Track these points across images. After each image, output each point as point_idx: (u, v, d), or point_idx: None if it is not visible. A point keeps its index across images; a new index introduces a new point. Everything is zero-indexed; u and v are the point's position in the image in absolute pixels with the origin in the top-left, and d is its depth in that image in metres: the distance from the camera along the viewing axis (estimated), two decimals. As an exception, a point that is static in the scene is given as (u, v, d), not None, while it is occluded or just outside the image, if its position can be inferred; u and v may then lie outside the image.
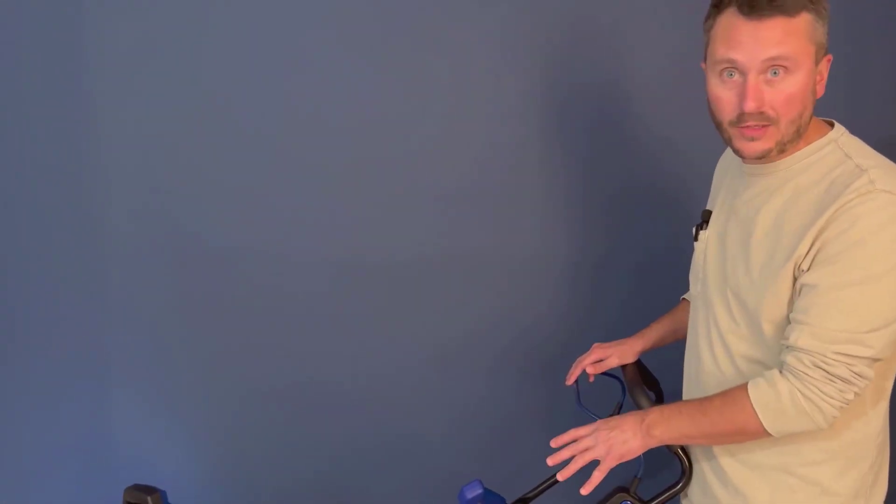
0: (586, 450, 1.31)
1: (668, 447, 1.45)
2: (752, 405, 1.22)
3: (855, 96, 2.18)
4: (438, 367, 2.11)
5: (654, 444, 1.32)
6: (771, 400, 1.21)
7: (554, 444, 1.34)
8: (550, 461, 1.32)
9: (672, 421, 1.30)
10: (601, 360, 1.65)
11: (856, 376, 1.18)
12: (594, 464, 1.32)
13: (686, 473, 1.44)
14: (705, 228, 1.43)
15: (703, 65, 1.30)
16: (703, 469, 1.43)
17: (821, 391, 1.18)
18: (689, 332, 1.48)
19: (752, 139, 1.23)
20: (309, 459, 2.08)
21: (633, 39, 2.07)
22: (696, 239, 1.46)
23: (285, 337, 2.02)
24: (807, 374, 1.18)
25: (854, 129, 1.31)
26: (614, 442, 1.30)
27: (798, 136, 1.24)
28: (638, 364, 1.65)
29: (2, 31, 1.81)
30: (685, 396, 1.49)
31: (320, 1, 1.92)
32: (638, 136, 2.12)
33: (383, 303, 2.05)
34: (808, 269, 1.19)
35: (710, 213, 1.45)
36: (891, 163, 1.24)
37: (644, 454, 1.45)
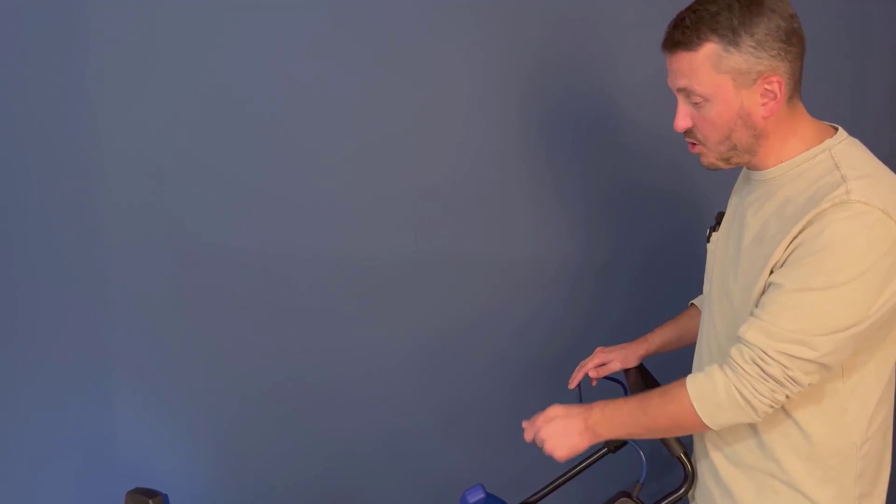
0: (540, 441, 1.36)
1: (672, 452, 1.45)
2: (689, 399, 1.24)
3: (857, 102, 2.18)
4: (441, 369, 2.11)
5: (601, 440, 1.36)
6: (708, 393, 1.23)
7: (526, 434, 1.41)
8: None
9: (614, 420, 1.32)
10: (604, 364, 1.65)
11: (789, 380, 1.18)
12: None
13: (688, 478, 1.45)
14: (717, 230, 1.44)
15: None
16: (700, 467, 1.44)
17: (753, 388, 1.19)
18: (699, 333, 1.48)
19: (696, 153, 1.33)
20: (312, 463, 2.08)
21: (634, 37, 2.06)
22: (707, 240, 1.47)
23: (288, 339, 2.02)
24: (742, 369, 1.20)
25: (856, 135, 1.31)
26: (560, 443, 1.34)
27: (743, 153, 1.28)
28: (640, 368, 1.64)
29: (3, 29, 1.81)
30: None
31: (319, 3, 1.91)
32: (641, 138, 2.11)
33: (385, 304, 2.05)
34: (777, 271, 1.21)
35: (723, 214, 1.45)
36: (885, 173, 1.24)
37: (647, 460, 1.46)
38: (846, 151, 1.25)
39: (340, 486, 2.10)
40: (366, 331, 2.05)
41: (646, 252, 2.16)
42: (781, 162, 1.27)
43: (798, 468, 1.29)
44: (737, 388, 1.20)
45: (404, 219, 2.03)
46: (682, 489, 1.45)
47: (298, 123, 1.95)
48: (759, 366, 1.18)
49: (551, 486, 1.72)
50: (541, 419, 1.36)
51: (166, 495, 1.56)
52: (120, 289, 1.94)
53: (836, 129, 1.30)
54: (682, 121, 1.28)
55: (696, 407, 1.23)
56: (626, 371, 1.64)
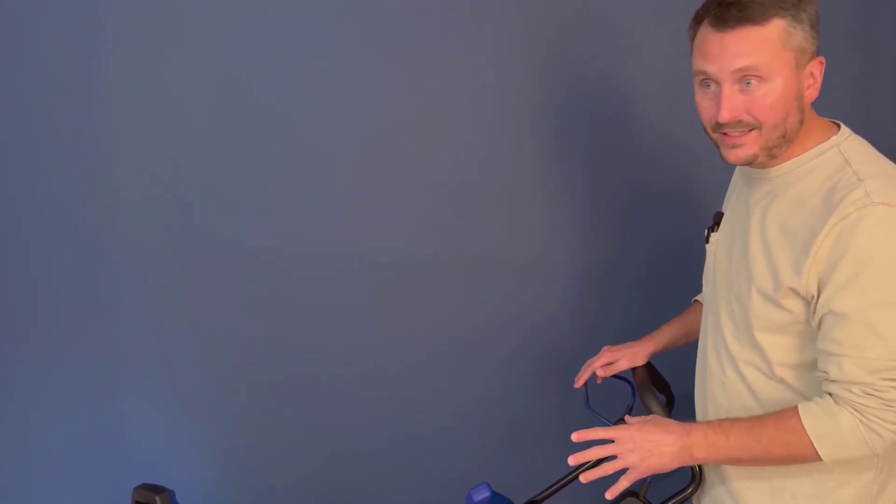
0: (617, 456, 1.25)
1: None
2: (806, 434, 1.19)
3: (862, 100, 2.17)
4: (447, 368, 2.11)
5: (692, 464, 1.29)
6: (829, 430, 1.18)
7: (576, 438, 1.27)
8: (573, 460, 1.26)
9: (718, 447, 1.25)
10: (611, 364, 1.64)
11: None
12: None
13: (696, 478, 1.44)
14: (716, 231, 1.42)
15: None
16: (709, 471, 1.43)
17: (880, 419, 1.16)
18: (700, 335, 1.48)
19: (735, 146, 1.24)
20: (318, 460, 2.08)
21: (640, 33, 2.05)
22: (707, 241, 1.45)
23: (297, 336, 2.02)
24: (863, 404, 1.16)
25: (861, 133, 1.30)
26: (650, 457, 1.25)
27: (786, 142, 1.24)
28: (648, 367, 1.64)
29: (14, 29, 1.82)
30: (697, 399, 1.48)
31: (322, 4, 1.92)
32: (650, 137, 2.11)
33: (391, 303, 2.05)
34: (826, 295, 1.18)
35: (721, 215, 1.44)
36: (893, 169, 1.23)
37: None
38: (854, 148, 1.25)
39: (347, 483, 2.10)
40: (373, 330, 2.05)
41: (653, 251, 2.15)
42: (789, 159, 1.26)
43: (820, 468, 1.27)
44: (862, 423, 1.16)
45: (412, 218, 2.03)
46: (690, 489, 1.44)
47: (309, 121, 1.95)
48: (876, 396, 1.15)
49: (557, 485, 1.72)
50: (635, 427, 1.26)
51: (173, 491, 1.57)
52: (129, 286, 1.95)
53: (839, 126, 1.29)
54: (731, 111, 1.19)
55: (815, 443, 1.19)
56: (634, 370, 1.64)
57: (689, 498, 1.46)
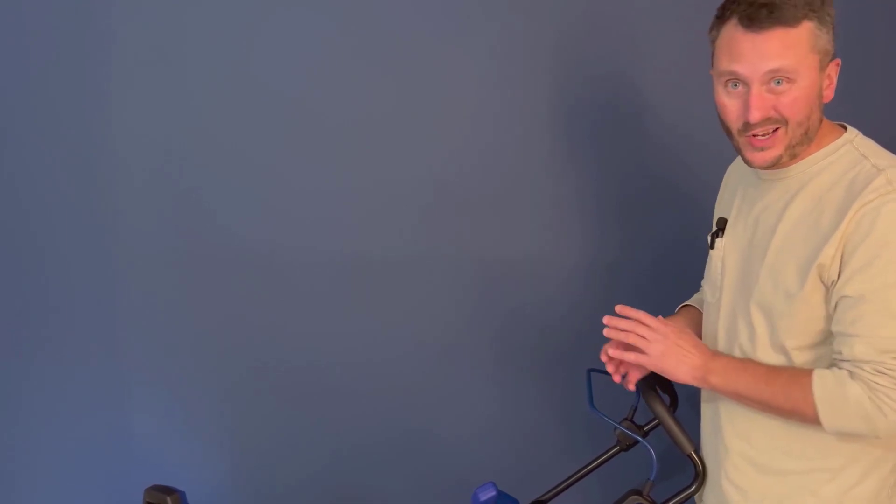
0: (644, 338, 1.31)
1: (682, 450, 1.45)
2: (812, 394, 1.21)
3: (860, 99, 2.17)
4: (453, 368, 2.11)
5: (702, 386, 1.32)
6: (836, 399, 1.20)
7: (620, 310, 1.35)
8: (607, 320, 1.34)
9: (732, 379, 1.29)
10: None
11: None
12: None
13: (699, 477, 1.45)
14: (721, 236, 1.42)
15: (711, 72, 1.30)
16: (716, 472, 1.42)
17: (889, 398, 1.17)
18: (705, 340, 1.45)
19: (762, 149, 1.25)
20: (324, 458, 2.09)
21: (644, 32, 2.05)
22: (711, 247, 1.45)
23: (300, 335, 2.04)
24: (875, 382, 1.17)
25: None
26: (669, 357, 1.31)
27: (807, 139, 1.25)
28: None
29: (17, 30, 1.84)
30: (703, 402, 1.48)
31: (325, 2, 1.93)
32: (654, 135, 2.11)
33: (397, 299, 2.06)
34: (843, 279, 1.19)
35: (724, 220, 1.44)
36: None
37: (657, 458, 1.46)
38: (867, 144, 1.27)
39: (352, 480, 2.11)
40: (378, 327, 2.06)
41: (658, 249, 2.15)
42: (804, 158, 1.28)
43: (841, 465, 1.28)
44: (870, 399, 1.17)
45: (416, 214, 2.03)
46: (693, 487, 1.45)
47: (310, 119, 1.96)
48: (887, 375, 1.16)
49: (563, 485, 1.73)
50: (673, 328, 1.32)
51: (184, 492, 1.58)
52: (133, 286, 1.97)
53: (846, 127, 1.31)
54: (761, 110, 1.21)
55: (818, 406, 1.21)
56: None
57: (691, 496, 1.47)
